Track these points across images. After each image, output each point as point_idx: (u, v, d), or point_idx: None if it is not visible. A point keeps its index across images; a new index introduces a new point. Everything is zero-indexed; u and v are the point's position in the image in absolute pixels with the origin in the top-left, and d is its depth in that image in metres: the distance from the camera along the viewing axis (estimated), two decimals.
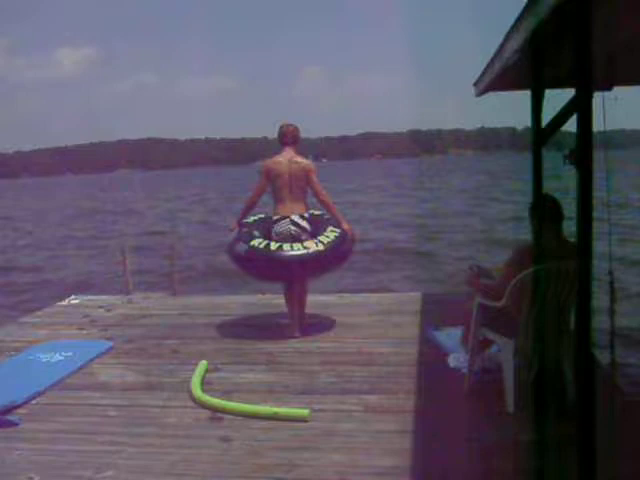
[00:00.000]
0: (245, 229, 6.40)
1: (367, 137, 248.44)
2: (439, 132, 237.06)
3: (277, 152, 6.43)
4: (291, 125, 6.49)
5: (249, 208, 6.54)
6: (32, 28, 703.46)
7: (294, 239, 6.17)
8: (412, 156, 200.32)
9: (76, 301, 8.49)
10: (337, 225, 6.38)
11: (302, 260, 6.08)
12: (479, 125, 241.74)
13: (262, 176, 6.34)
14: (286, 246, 6.08)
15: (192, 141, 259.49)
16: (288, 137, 6.39)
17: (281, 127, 6.48)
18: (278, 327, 6.64)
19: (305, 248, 6.08)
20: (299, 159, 6.32)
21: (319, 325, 6.68)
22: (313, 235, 6.27)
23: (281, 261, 6.09)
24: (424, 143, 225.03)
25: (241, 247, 6.24)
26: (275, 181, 6.26)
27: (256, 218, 6.60)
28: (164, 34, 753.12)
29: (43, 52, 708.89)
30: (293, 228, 6.22)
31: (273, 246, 6.10)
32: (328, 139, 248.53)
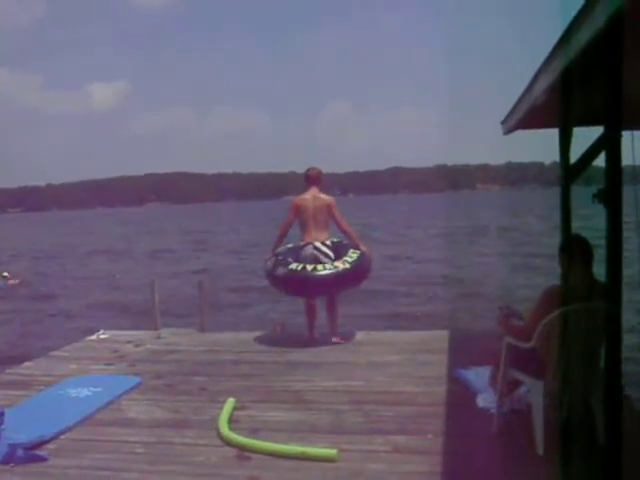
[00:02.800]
0: (280, 257, 7.44)
1: (394, 172, 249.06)
2: (466, 167, 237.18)
3: (304, 188, 7.66)
4: (315, 169, 7.78)
5: (281, 238, 7.70)
6: (65, 64, 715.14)
7: (316, 261, 7.25)
8: (439, 191, 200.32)
9: (105, 336, 8.54)
10: (356, 248, 7.48)
11: (333, 277, 7.13)
12: (506, 160, 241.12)
13: (291, 211, 7.53)
14: (320, 267, 7.16)
15: (220, 175, 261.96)
16: (312, 179, 7.66)
17: (307, 170, 7.78)
18: (304, 364, 6.72)
19: (335, 267, 7.16)
20: (322, 196, 7.55)
21: (347, 363, 6.69)
22: (336, 258, 7.30)
23: (316, 280, 7.15)
24: (451, 178, 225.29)
25: (280, 271, 7.31)
26: (301, 214, 7.47)
27: (286, 247, 7.67)
28: (192, 67, 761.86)
29: (75, 87, 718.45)
30: (315, 252, 7.32)
31: (308, 267, 7.17)
32: (356, 174, 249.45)
